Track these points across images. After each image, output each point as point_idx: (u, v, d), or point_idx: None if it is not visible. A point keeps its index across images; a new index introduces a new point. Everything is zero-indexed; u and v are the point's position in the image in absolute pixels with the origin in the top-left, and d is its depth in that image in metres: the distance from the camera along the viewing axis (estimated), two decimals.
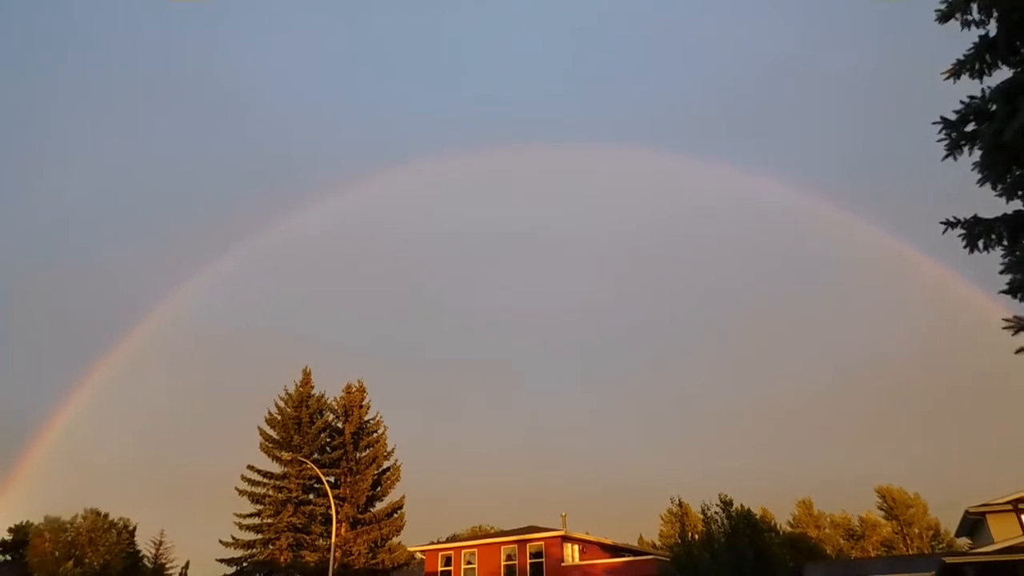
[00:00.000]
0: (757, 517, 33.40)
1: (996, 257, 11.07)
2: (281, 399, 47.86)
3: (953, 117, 10.93)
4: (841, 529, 61.28)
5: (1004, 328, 10.51)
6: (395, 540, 46.88)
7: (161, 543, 61.95)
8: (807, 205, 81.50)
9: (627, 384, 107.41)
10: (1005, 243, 10.89)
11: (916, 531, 58.31)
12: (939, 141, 11.10)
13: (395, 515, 46.16)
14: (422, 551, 43.05)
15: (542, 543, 36.87)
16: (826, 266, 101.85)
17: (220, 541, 44.29)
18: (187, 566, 60.83)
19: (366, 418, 48.30)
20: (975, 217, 11.05)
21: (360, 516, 45.11)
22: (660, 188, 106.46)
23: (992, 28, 10.84)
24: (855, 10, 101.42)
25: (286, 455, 44.49)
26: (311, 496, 45.58)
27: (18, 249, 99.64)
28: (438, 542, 47.21)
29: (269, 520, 44.30)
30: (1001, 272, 10.94)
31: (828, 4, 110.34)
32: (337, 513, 40.16)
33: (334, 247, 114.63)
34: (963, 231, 11.06)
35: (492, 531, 56.68)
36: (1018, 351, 10.55)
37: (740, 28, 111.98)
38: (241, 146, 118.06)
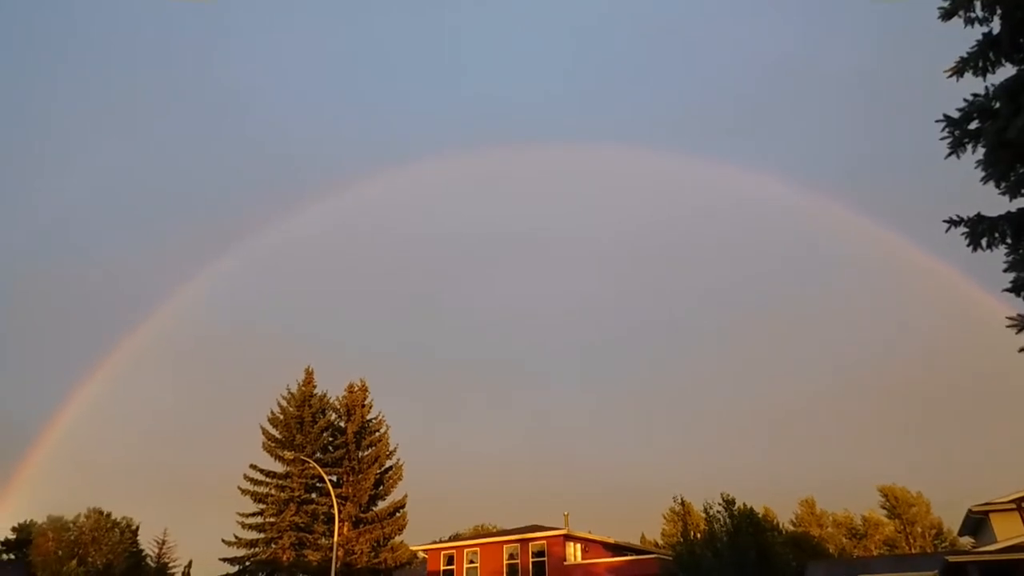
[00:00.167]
0: (759, 516, 33.43)
1: (999, 256, 11.06)
2: (283, 398, 47.93)
3: (956, 115, 10.90)
4: (844, 528, 61.21)
5: (1008, 326, 10.48)
6: (397, 539, 46.93)
7: (164, 542, 62.13)
8: (807, 205, 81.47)
9: (627, 384, 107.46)
10: (1008, 241, 10.87)
11: (919, 530, 58.25)
12: (942, 139, 11.07)
13: (397, 514, 46.19)
14: (424, 550, 43.07)
15: (544, 542, 36.87)
16: (827, 266, 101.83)
17: (223, 540, 44.39)
18: (190, 565, 61.04)
19: (368, 417, 48.34)
20: (978, 215, 11.03)
21: (362, 515, 45.15)
22: (660, 188, 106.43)
23: (995, 25, 10.81)
24: (855, 9, 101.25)
25: (288, 454, 44.53)
26: (313, 495, 45.63)
27: (18, 249, 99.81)
28: (440, 541, 47.23)
29: (272, 519, 44.35)
30: (1004, 270, 10.92)
31: (828, 3, 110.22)
32: (339, 512, 40.19)
33: (335, 247, 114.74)
34: (966, 229, 11.04)
35: (494, 530, 56.70)
36: (1021, 349, 10.53)
37: (740, 28, 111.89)
38: (241, 146, 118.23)
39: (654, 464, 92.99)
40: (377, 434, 48.08)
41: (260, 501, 45.08)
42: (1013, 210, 10.85)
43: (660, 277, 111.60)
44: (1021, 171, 10.57)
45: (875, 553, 55.72)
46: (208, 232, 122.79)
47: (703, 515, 33.60)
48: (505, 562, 37.50)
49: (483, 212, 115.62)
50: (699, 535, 34.01)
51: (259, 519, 44.78)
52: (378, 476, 46.64)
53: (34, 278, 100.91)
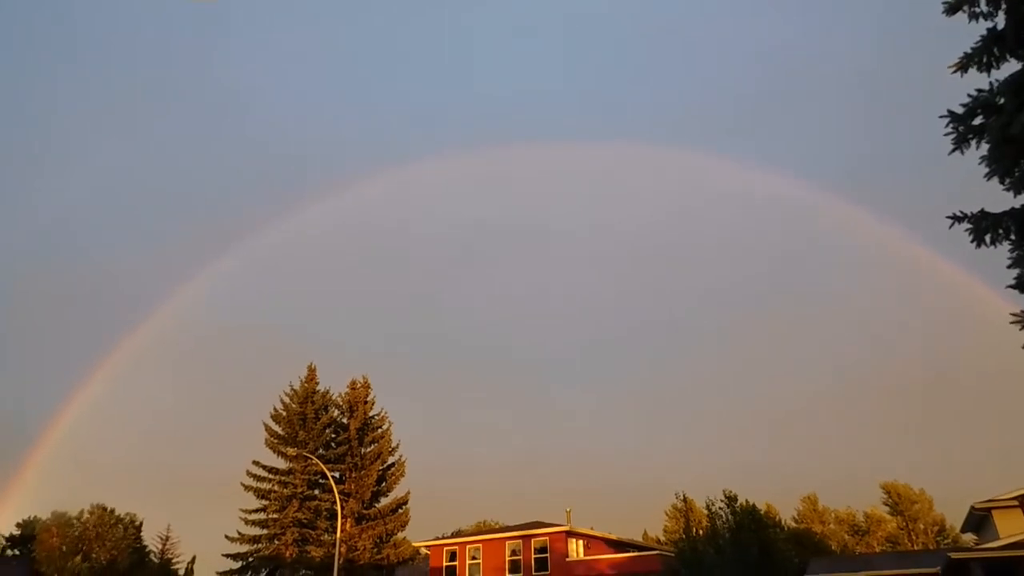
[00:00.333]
0: (762, 513, 33.42)
1: (1003, 252, 11.02)
2: (286, 395, 47.99)
3: (960, 111, 10.85)
4: (846, 525, 61.18)
5: (1012, 323, 10.45)
6: (400, 535, 47.04)
7: (167, 538, 62.29)
8: (808, 204, 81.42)
9: (628, 383, 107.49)
10: (1012, 238, 10.82)
11: (921, 527, 58.20)
12: (946, 135, 11.01)
13: (400, 510, 46.29)
14: (427, 546, 43.17)
15: (547, 538, 36.92)
16: (827, 265, 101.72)
17: (226, 536, 44.50)
18: (193, 561, 61.18)
19: (371, 414, 48.42)
20: (982, 211, 10.98)
21: (365, 511, 45.26)
22: (660, 188, 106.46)
23: (1000, 20, 10.75)
24: (856, 8, 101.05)
25: (291, 451, 44.61)
26: (316, 492, 45.73)
27: (18, 249, 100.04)
28: (443, 537, 47.34)
29: (274, 515, 44.46)
30: (1008, 267, 10.88)
31: (828, 2, 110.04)
32: (342, 508, 40.29)
33: (335, 246, 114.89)
34: (970, 226, 10.99)
35: (497, 527, 56.78)
36: None
37: (740, 27, 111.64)
38: (241, 146, 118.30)
39: (656, 462, 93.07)
40: (379, 430, 48.15)
41: (263, 497, 45.20)
42: (1017, 206, 10.80)
43: (660, 277, 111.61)
44: None
45: (877, 550, 55.69)
46: (208, 232, 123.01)
47: (705, 512, 33.62)
48: (507, 558, 37.57)
49: (483, 212, 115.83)
50: (701, 532, 34.04)
51: (262, 515, 44.90)
52: (381, 472, 46.73)
53: (34, 278, 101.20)
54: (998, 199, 10.95)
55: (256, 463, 46.00)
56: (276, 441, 46.42)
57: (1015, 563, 23.56)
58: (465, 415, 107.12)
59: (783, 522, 45.44)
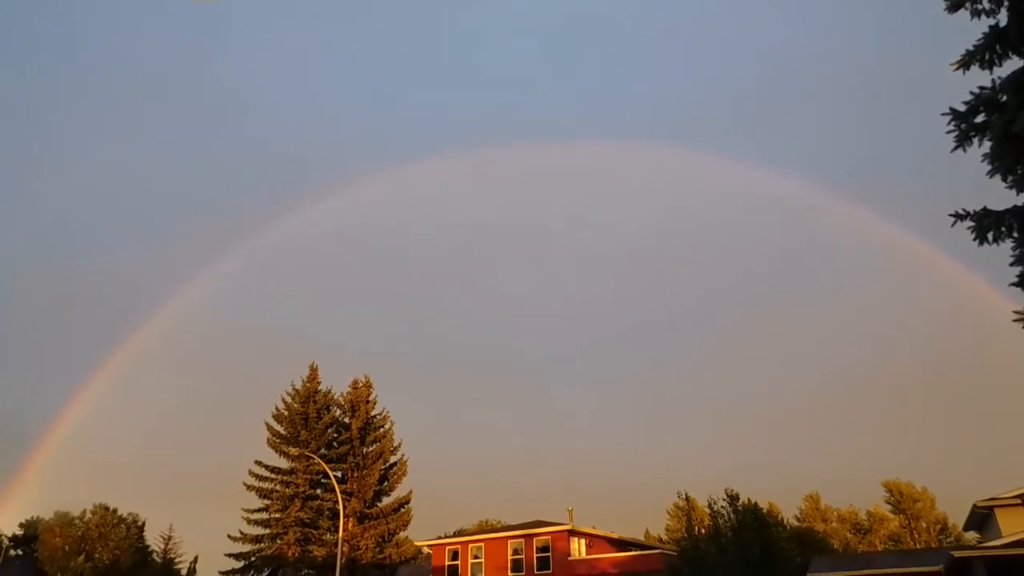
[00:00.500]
0: (764, 512, 33.40)
1: (1004, 251, 11.01)
2: (288, 395, 48.04)
3: (962, 108, 10.83)
4: (848, 523, 61.13)
5: (1015, 320, 10.44)
6: (402, 535, 47.08)
7: (170, 538, 62.43)
8: (808, 204, 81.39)
9: (628, 383, 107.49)
10: (1015, 235, 10.80)
11: (923, 525, 58.12)
12: (948, 133, 10.99)
13: (402, 510, 46.33)
14: (429, 546, 43.19)
15: (549, 537, 36.92)
16: (828, 264, 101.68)
17: (228, 536, 44.61)
18: (196, 561, 61.29)
19: (373, 413, 48.47)
20: (984, 209, 10.96)
21: (367, 511, 45.30)
22: (660, 187, 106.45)
23: (1003, 18, 10.73)
24: (856, 8, 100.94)
25: (293, 450, 44.66)
26: (318, 491, 45.77)
27: (18, 249, 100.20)
28: (445, 537, 47.36)
29: (277, 515, 44.52)
30: (1011, 264, 10.86)
31: (829, 2, 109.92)
32: (344, 508, 40.31)
33: (335, 246, 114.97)
34: (972, 223, 10.98)
35: (499, 526, 56.80)
36: None
37: (740, 27, 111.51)
38: (241, 146, 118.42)
39: (656, 462, 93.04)
40: (381, 430, 48.18)
41: (265, 497, 45.25)
42: (1019, 204, 10.78)
43: (660, 277, 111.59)
44: None
45: (880, 548, 55.66)
46: (209, 232, 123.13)
47: (707, 511, 33.58)
48: (509, 557, 37.58)
49: (483, 212, 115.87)
50: (703, 531, 34.03)
51: (264, 515, 44.97)
52: (382, 472, 46.77)
53: (34, 278, 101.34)
54: (1000, 197, 10.96)
55: (258, 463, 46.10)
56: (278, 441, 46.45)
57: (1018, 561, 23.53)
58: (466, 415, 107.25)
59: (785, 521, 45.41)
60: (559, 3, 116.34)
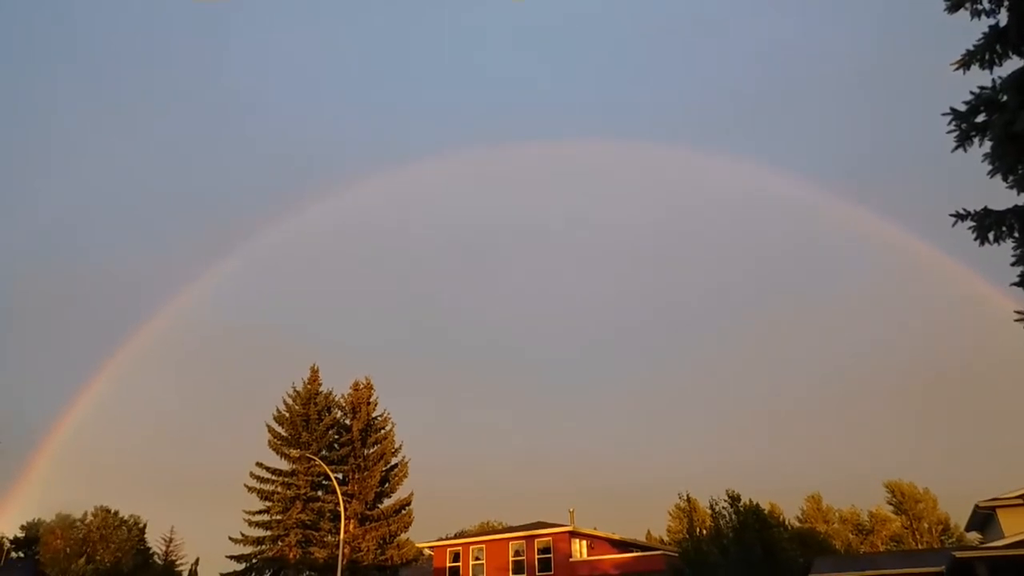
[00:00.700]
0: (765, 512, 33.39)
1: (1005, 250, 10.99)
2: (289, 396, 48.01)
3: (963, 108, 10.82)
4: (850, 524, 61.06)
5: (1016, 320, 10.42)
6: (403, 536, 46.99)
7: (171, 540, 62.48)
8: (808, 203, 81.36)
9: (628, 383, 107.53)
10: (1016, 235, 10.78)
11: (925, 526, 58.05)
12: (949, 132, 10.97)
13: (403, 511, 46.28)
14: (430, 547, 43.19)
15: (550, 539, 36.91)
16: (829, 263, 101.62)
17: (230, 538, 44.55)
18: (197, 563, 61.34)
19: (374, 415, 48.41)
20: (985, 209, 10.94)
21: (369, 512, 45.26)
22: (660, 187, 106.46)
23: (1003, 18, 10.72)
24: (856, 7, 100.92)
25: (294, 452, 44.62)
26: (320, 493, 45.73)
27: (18, 249, 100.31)
28: (446, 538, 47.33)
29: (278, 517, 44.48)
30: (1012, 264, 10.84)
31: (829, 2, 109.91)
32: (346, 510, 40.29)
33: (335, 247, 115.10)
34: (973, 223, 10.96)
35: (500, 527, 56.77)
36: None
37: (740, 27, 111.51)
38: (242, 146, 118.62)
39: (656, 462, 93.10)
40: (383, 431, 48.14)
41: (266, 499, 45.22)
42: (1020, 203, 10.76)
43: (660, 277, 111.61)
44: None
45: (882, 549, 55.58)
46: (210, 232, 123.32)
47: (709, 511, 33.57)
48: (511, 559, 37.56)
49: (483, 212, 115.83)
50: (705, 531, 34.03)
51: (266, 517, 44.92)
52: (384, 473, 46.73)
53: (34, 278, 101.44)
54: (1001, 197, 10.94)
55: (259, 464, 46.06)
56: (279, 442, 46.43)
57: (1020, 561, 23.47)
58: (466, 415, 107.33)
59: (787, 522, 45.38)
60: (559, 3, 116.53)
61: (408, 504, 46.59)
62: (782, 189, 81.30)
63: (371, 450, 47.29)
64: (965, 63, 10.94)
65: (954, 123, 10.84)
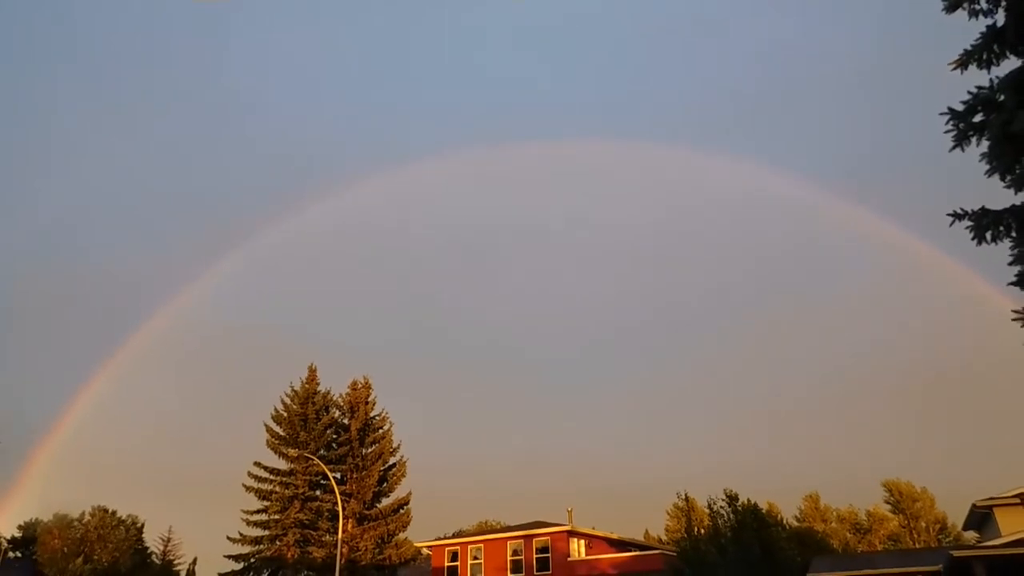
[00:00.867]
0: (763, 512, 33.43)
1: (1003, 250, 11.01)
2: (287, 396, 47.96)
3: (960, 108, 10.84)
4: (848, 523, 61.15)
5: (1014, 320, 10.44)
6: (402, 536, 46.97)
7: (169, 540, 62.38)
8: (808, 203, 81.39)
9: (628, 382, 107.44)
10: (1013, 235, 10.81)
11: (923, 525, 58.17)
12: (946, 132, 11.00)
13: (401, 511, 46.26)
14: (429, 546, 43.20)
15: (548, 538, 36.92)
16: (828, 263, 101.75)
17: (228, 537, 44.49)
18: (195, 562, 61.21)
19: (372, 414, 48.37)
20: (983, 208, 10.96)
21: (367, 512, 45.24)
22: (660, 187, 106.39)
23: (1000, 18, 10.74)
24: (856, 7, 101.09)
25: (292, 452, 44.59)
26: (318, 492, 45.71)
27: (18, 249, 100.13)
28: (444, 538, 47.34)
29: (276, 516, 44.44)
30: (1009, 264, 10.86)
31: (829, 1, 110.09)
32: (344, 509, 40.27)
33: (335, 246, 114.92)
34: (971, 223, 10.98)
35: (498, 527, 56.77)
36: None
37: (740, 27, 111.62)
38: (242, 146, 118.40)
39: (656, 462, 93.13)
40: (380, 431, 48.12)
41: (264, 498, 45.18)
42: (1018, 203, 10.79)
43: (660, 277, 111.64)
44: None
45: (879, 548, 55.68)
46: (209, 232, 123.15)
47: (707, 511, 33.60)
48: (509, 558, 37.57)
49: (483, 212, 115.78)
50: (703, 531, 34.06)
51: (264, 516, 44.88)
52: (382, 473, 46.71)
53: (34, 278, 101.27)
54: (1001, 197, 10.96)
55: (257, 464, 46.02)
56: (277, 442, 46.40)
57: (1017, 561, 23.52)
58: (465, 415, 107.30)
59: (785, 521, 45.38)
60: (559, 3, 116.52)
61: (406, 504, 46.59)
62: (782, 189, 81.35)
63: (369, 449, 47.27)
64: (963, 63, 10.96)
65: (952, 123, 10.87)
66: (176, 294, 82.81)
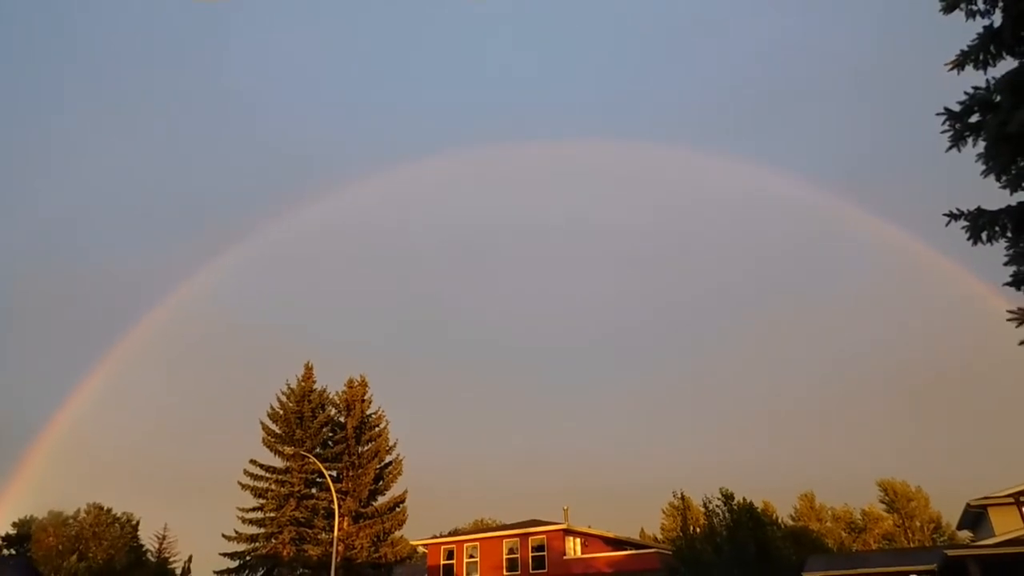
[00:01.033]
0: (759, 510, 33.43)
1: (1000, 249, 11.03)
2: (283, 394, 47.88)
3: (957, 108, 10.86)
4: (843, 522, 61.33)
5: (1008, 320, 10.46)
6: (397, 534, 46.95)
7: (164, 537, 62.24)
8: (808, 203, 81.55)
9: (628, 383, 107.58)
10: (1009, 235, 10.83)
11: (918, 524, 58.37)
12: (943, 132, 11.02)
13: (397, 509, 46.24)
14: (424, 545, 43.20)
15: (544, 536, 36.94)
16: (828, 263, 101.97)
17: (223, 535, 44.41)
18: (190, 560, 61.15)
19: (368, 412, 48.32)
20: (979, 209, 10.99)
21: (362, 510, 45.21)
22: (660, 187, 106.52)
23: (997, 18, 10.76)
24: (856, 7, 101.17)
25: (288, 449, 44.55)
26: (313, 490, 45.66)
27: (18, 249, 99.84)
28: (440, 536, 47.34)
29: (272, 514, 44.39)
30: (1005, 264, 10.89)
31: (828, 1, 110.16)
32: (339, 507, 40.23)
33: (335, 245, 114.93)
34: (967, 223, 11.01)
35: (494, 525, 56.81)
36: (1022, 343, 10.53)
37: (740, 27, 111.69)
38: (242, 146, 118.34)
39: (654, 461, 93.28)
40: (377, 429, 48.07)
41: (260, 496, 45.12)
42: (1014, 203, 10.81)
43: (660, 277, 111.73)
44: (1022, 164, 10.53)
45: (874, 547, 55.84)
46: (208, 231, 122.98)
47: (702, 510, 33.63)
48: (505, 556, 37.59)
49: (483, 212, 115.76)
50: (699, 530, 34.08)
51: (259, 514, 44.82)
52: (378, 471, 46.67)
53: (34, 278, 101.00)
54: (1001, 197, 10.98)
55: (253, 462, 45.93)
56: (273, 440, 46.33)
57: (1011, 560, 23.63)
58: (465, 414, 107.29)
59: (780, 520, 45.47)
60: (560, 3, 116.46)
61: (402, 502, 46.56)
62: (782, 189, 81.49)
63: (365, 448, 47.23)
64: (959, 63, 10.98)
65: (948, 123, 10.89)
66: (175, 293, 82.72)
